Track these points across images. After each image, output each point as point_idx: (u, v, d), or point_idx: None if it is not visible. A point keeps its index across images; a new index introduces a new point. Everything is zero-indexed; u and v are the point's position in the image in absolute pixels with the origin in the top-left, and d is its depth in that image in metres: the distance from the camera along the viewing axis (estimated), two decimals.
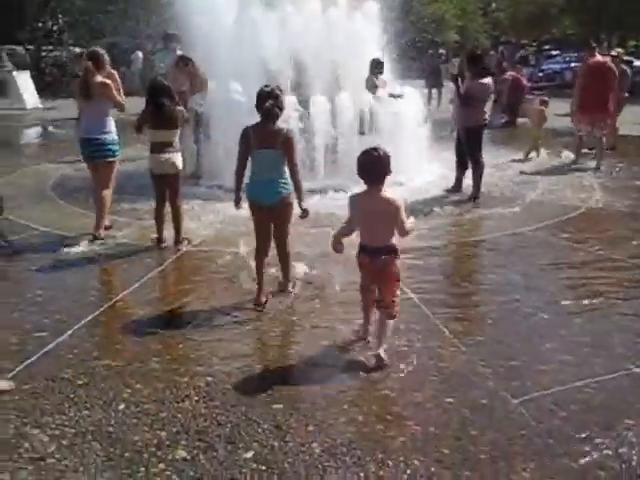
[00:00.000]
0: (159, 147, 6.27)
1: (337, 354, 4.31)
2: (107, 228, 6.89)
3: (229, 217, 7.40)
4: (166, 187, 6.41)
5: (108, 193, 6.81)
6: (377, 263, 4.16)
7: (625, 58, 15.35)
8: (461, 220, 7.65)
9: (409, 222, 4.17)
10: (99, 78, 6.62)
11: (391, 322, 4.30)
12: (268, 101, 5.00)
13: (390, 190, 4.23)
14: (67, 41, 38.52)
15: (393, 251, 4.16)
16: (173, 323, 4.83)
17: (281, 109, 5.10)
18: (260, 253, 5.22)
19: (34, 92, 23.86)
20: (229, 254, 6.25)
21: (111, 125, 6.79)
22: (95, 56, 6.80)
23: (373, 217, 4.15)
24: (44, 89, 25.91)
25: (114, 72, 6.91)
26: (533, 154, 11.64)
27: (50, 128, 16.84)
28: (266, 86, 5.21)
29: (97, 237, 6.64)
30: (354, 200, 4.25)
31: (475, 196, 8.39)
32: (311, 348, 4.39)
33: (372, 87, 9.63)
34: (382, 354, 4.13)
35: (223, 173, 8.23)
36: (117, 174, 7.07)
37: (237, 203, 5.28)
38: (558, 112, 14.34)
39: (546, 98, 12.76)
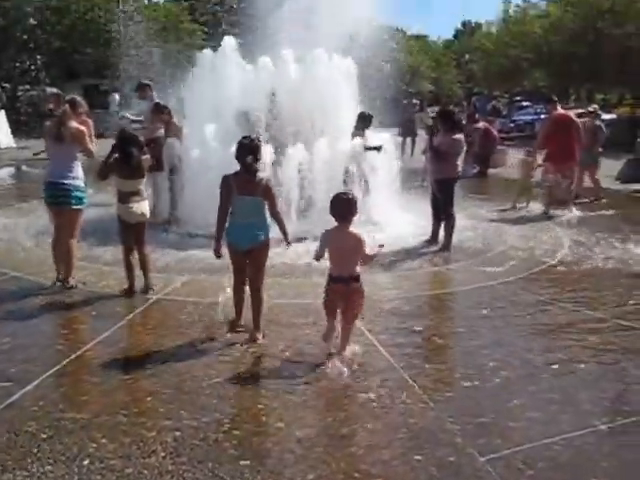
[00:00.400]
0: (128, 196, 6.31)
1: (306, 409, 4.30)
2: (64, 281, 6.67)
3: (200, 265, 7.43)
4: (133, 235, 6.43)
5: (74, 242, 6.69)
6: (351, 289, 4.91)
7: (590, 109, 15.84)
8: (432, 272, 7.72)
9: (375, 248, 4.92)
10: (74, 123, 6.62)
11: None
12: (249, 156, 5.22)
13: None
14: (44, 80, 38.71)
15: (359, 279, 4.94)
16: (142, 374, 4.77)
17: (260, 160, 5.37)
18: (237, 289, 5.51)
19: (8, 131, 23.80)
20: (199, 303, 6.22)
21: (79, 171, 6.68)
22: (72, 102, 6.88)
23: (343, 250, 4.90)
24: (19, 128, 25.86)
25: (88, 120, 6.95)
26: (520, 204, 11.91)
27: (24, 167, 16.77)
28: (246, 137, 5.44)
29: (66, 285, 6.58)
30: (327, 235, 4.98)
31: (447, 247, 8.50)
32: (280, 402, 4.36)
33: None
34: (346, 354, 4.97)
35: (196, 220, 8.27)
36: (83, 221, 6.95)
37: (218, 251, 5.42)
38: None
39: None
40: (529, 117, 35.06)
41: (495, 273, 7.45)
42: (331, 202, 4.99)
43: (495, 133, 18.86)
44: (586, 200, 12.47)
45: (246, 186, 5.23)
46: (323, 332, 5.18)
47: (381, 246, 4.97)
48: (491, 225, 10.34)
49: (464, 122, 21.44)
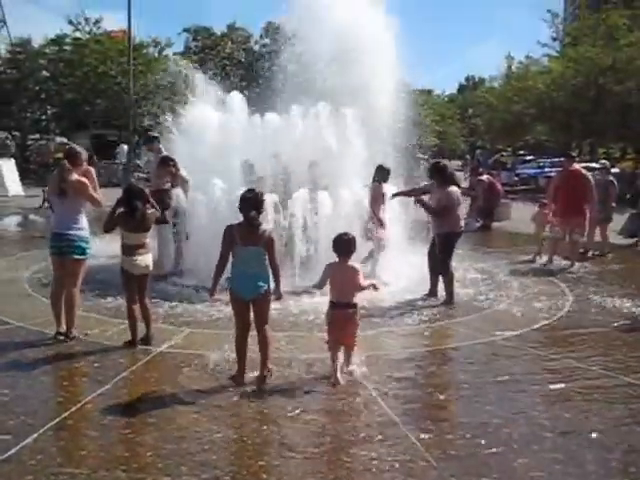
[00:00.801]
0: (133, 249, 6.36)
1: (306, 466, 4.24)
2: (67, 332, 6.63)
3: (204, 318, 7.47)
4: (136, 286, 6.45)
5: (77, 292, 6.64)
6: (347, 315, 5.67)
7: (594, 165, 16.05)
8: (433, 327, 7.64)
9: (369, 282, 5.91)
10: (75, 176, 6.56)
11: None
12: (252, 210, 5.42)
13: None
14: (54, 130, 39.40)
15: (356, 306, 5.74)
16: (142, 428, 4.73)
17: (262, 212, 5.60)
18: (240, 338, 5.56)
19: (17, 180, 24.13)
20: (202, 357, 6.18)
21: (84, 222, 6.66)
22: (72, 154, 6.77)
23: (343, 280, 5.70)
24: (28, 176, 26.23)
25: (91, 169, 6.90)
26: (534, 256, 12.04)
27: (31, 216, 16.90)
28: (249, 191, 5.63)
29: (69, 336, 6.56)
30: (329, 267, 5.80)
31: (449, 302, 8.48)
32: (281, 460, 4.31)
33: (378, 196, 9.45)
34: (351, 369, 5.77)
35: (200, 273, 8.29)
36: (87, 271, 6.91)
37: (212, 294, 5.65)
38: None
39: (546, 201, 12.74)
40: (532, 170, 35.43)
41: (497, 329, 7.39)
42: (334, 241, 5.86)
43: (499, 186, 18.98)
44: (590, 255, 12.52)
45: (250, 237, 5.44)
46: (330, 375, 5.66)
47: (375, 288, 5.92)
48: (494, 279, 10.31)
49: (468, 175, 21.71)
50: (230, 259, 5.52)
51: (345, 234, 5.91)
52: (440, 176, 8.84)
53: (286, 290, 6.02)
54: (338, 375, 5.59)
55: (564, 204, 11.57)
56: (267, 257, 5.50)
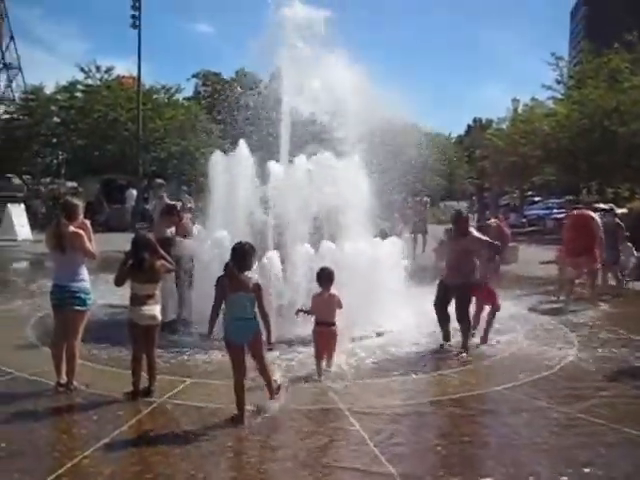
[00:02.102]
0: (140, 299, 6.36)
1: None
2: (68, 383, 6.59)
3: (204, 368, 7.47)
4: (143, 338, 6.42)
5: (78, 343, 6.62)
6: (330, 331, 7.20)
7: (603, 206, 16.11)
8: (436, 377, 7.53)
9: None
10: (71, 229, 6.55)
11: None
12: (240, 260, 5.90)
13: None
14: (65, 175, 40.02)
15: (335, 324, 7.25)
16: None
17: (249, 262, 6.00)
18: (239, 388, 5.83)
19: (26, 224, 24.39)
20: (202, 408, 6.14)
21: (84, 273, 6.65)
22: (68, 207, 6.69)
23: (326, 306, 7.25)
24: (37, 221, 26.50)
25: (86, 221, 6.84)
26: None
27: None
28: (239, 243, 6.05)
29: (69, 387, 6.51)
30: (314, 297, 7.36)
31: (464, 349, 8.41)
32: None
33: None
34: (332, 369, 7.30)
35: (203, 321, 8.24)
36: (89, 321, 6.88)
37: (210, 335, 6.06)
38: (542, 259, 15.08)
39: None
40: (540, 212, 35.42)
41: (502, 378, 7.29)
42: (317, 274, 7.41)
43: (507, 230, 18.89)
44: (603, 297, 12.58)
45: (240, 285, 5.84)
46: (317, 371, 7.16)
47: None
48: (501, 325, 10.18)
49: (476, 218, 21.61)
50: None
51: (326, 268, 7.48)
52: (461, 225, 8.86)
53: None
54: (322, 377, 7.04)
55: (575, 245, 11.92)
56: (257, 304, 5.89)
